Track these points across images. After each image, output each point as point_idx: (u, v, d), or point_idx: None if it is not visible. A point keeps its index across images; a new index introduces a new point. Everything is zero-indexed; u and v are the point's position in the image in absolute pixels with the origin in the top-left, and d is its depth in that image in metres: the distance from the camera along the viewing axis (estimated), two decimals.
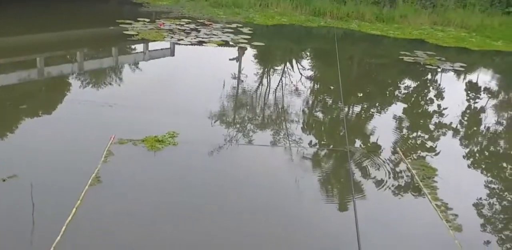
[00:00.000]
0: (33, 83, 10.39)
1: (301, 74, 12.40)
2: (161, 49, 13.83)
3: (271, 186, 6.18)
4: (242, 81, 11.28)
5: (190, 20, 17.07)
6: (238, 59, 13.51)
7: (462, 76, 13.58)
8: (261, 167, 6.72)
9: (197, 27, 16.08)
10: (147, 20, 16.32)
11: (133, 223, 5.12)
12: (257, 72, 12.35)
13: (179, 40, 14.04)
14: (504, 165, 7.61)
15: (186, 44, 13.74)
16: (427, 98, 11.22)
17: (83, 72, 11.31)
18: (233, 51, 14.23)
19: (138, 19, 16.28)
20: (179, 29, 15.49)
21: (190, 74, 11.25)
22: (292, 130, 8.19)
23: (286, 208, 5.67)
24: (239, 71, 12.15)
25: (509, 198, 6.53)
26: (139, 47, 13.79)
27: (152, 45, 13.78)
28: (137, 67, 12.28)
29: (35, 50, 12.40)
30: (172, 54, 13.68)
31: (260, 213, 5.56)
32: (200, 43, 14.07)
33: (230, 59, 13.39)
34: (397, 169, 6.92)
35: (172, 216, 5.34)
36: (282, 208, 5.68)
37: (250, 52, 14.33)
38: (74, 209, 5.13)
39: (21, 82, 10.16)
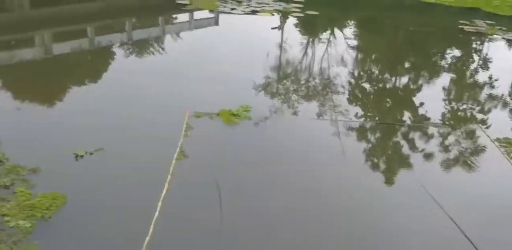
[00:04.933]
0: (85, 52, 10.30)
1: (347, 43, 11.86)
2: (206, 18, 13.50)
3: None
4: (286, 51, 10.87)
5: None
6: (280, 28, 13.06)
7: None
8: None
9: None
10: None
11: (223, 194, 4.89)
12: (302, 42, 11.88)
13: (232, 9, 13.68)
14: None
15: (230, 13, 13.42)
16: (488, 69, 10.52)
17: (131, 42, 11.13)
18: (277, 20, 13.70)
19: None
20: None
21: (235, 44, 10.91)
22: (338, 101, 7.84)
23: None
24: (282, 41, 11.70)
25: None
26: (184, 17, 13.51)
27: (197, 15, 13.49)
28: (183, 37, 12.01)
29: (86, 19, 12.33)
30: (216, 23, 13.35)
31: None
32: (253, 12, 13.69)
33: (272, 28, 12.92)
34: (475, 144, 6.53)
35: (257, 188, 5.12)
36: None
37: (293, 21, 13.78)
38: (167, 184, 4.93)
39: (73, 52, 10.09)
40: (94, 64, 9.66)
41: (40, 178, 4.84)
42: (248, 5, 14.35)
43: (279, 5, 14.59)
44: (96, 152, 5.45)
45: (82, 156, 5.35)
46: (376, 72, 10.05)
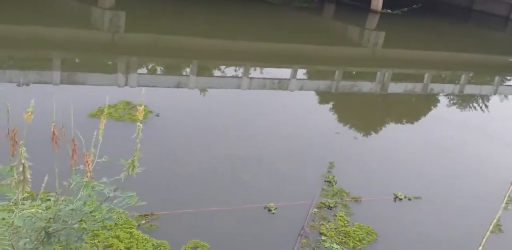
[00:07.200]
0: (414, 95, 10.50)
1: None
2: None
3: None
4: None
5: None
6: None
7: None
8: None
9: None
10: None
11: None
12: None
13: None
14: None
15: None
16: None
17: (461, 95, 10.84)
18: None
19: None
20: None
21: None
22: None
23: None
24: None
25: None
26: None
27: None
28: None
29: (427, 66, 12.57)
30: None
31: None
32: None
33: None
34: None
35: None
36: None
37: None
38: None
39: (405, 93, 10.49)
40: (417, 107, 9.81)
41: (360, 208, 4.90)
42: None
43: None
44: (415, 199, 5.30)
45: (401, 199, 5.24)
46: None
